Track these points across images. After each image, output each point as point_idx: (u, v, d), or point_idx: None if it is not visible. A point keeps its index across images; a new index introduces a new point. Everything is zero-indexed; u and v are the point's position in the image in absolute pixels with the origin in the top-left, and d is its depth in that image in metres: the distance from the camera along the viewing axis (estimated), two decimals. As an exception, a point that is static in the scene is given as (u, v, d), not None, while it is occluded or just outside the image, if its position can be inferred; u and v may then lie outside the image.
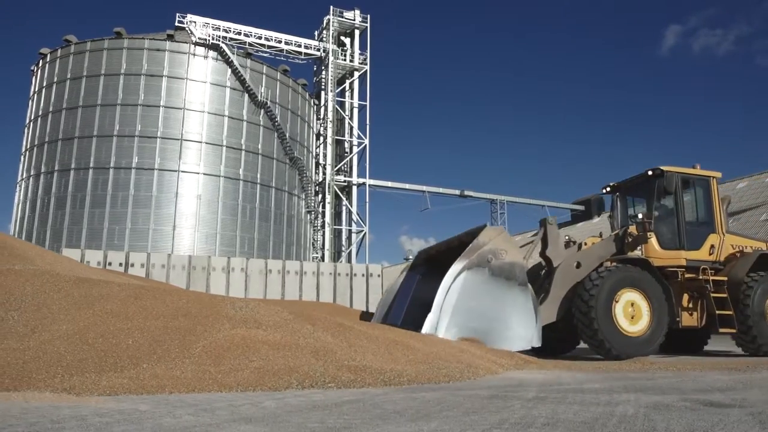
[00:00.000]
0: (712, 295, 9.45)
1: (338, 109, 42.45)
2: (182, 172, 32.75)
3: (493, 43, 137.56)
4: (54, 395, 3.89)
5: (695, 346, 11.17)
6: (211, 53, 35.05)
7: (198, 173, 33.15)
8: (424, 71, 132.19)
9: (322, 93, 41.91)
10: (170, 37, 34.55)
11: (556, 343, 10.01)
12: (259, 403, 3.76)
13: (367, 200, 40.92)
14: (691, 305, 9.71)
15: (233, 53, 35.39)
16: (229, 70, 35.18)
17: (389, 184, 42.29)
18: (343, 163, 41.74)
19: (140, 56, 33.76)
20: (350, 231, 40.66)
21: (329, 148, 41.10)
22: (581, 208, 51.08)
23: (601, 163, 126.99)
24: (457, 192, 44.90)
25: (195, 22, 35.61)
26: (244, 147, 35.08)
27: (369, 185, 40.94)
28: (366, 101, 42.54)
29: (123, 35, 34.44)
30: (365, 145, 41.81)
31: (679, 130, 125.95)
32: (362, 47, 42.94)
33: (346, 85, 42.84)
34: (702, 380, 5.64)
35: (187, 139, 33.22)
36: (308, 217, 39.58)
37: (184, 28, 35.64)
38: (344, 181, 41.22)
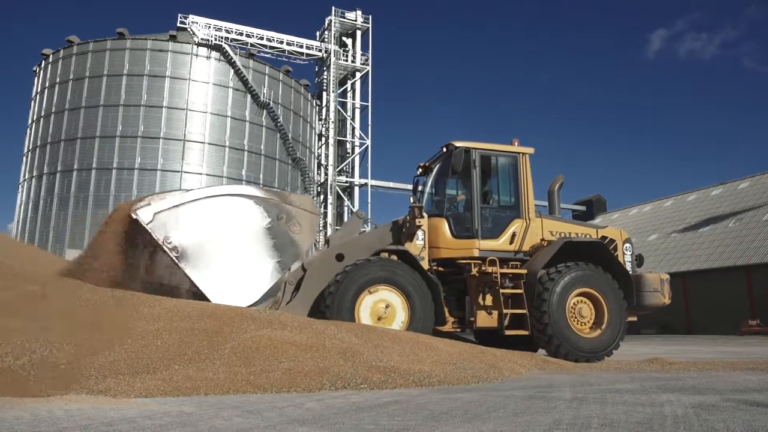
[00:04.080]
0: (503, 291, 8.12)
1: (340, 109, 42.43)
2: (185, 172, 32.71)
3: (493, 43, 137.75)
4: (91, 397, 3.85)
5: (529, 348, 9.15)
6: (214, 54, 35.04)
7: (201, 174, 33.11)
8: (426, 72, 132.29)
9: (324, 94, 41.90)
10: (173, 38, 34.52)
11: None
12: (301, 405, 3.72)
13: (369, 201, 40.93)
14: (489, 303, 8.29)
15: (236, 54, 35.36)
16: (232, 71, 35.16)
17: (391, 184, 42.28)
18: (345, 163, 41.71)
19: (143, 57, 33.72)
20: (352, 232, 40.62)
21: (331, 148, 41.08)
22: (582, 208, 51.16)
23: (601, 163, 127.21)
24: (459, 192, 44.84)
25: (197, 23, 35.59)
26: (246, 148, 35.06)
27: (371, 186, 40.94)
28: (368, 102, 42.59)
29: (125, 36, 34.41)
30: (367, 145, 41.82)
31: (679, 130, 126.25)
32: (364, 48, 42.98)
33: (348, 85, 42.83)
34: (731, 380, 5.61)
35: (189, 140, 33.19)
36: (310, 218, 39.50)
37: (186, 29, 35.60)
38: (346, 182, 41.21)
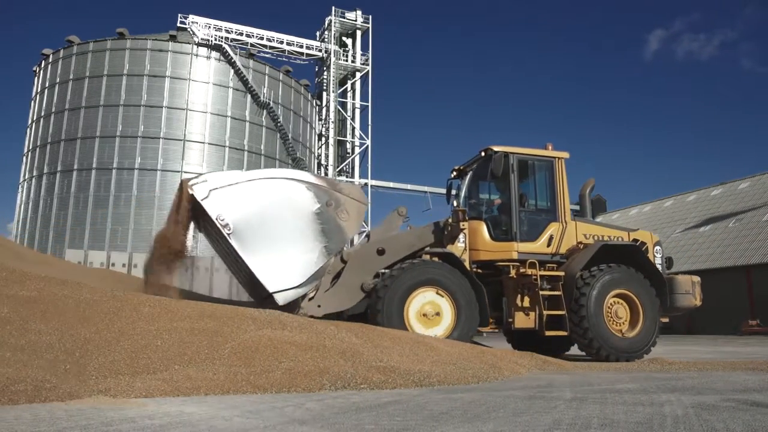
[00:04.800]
0: (544, 292, 8.32)
1: (340, 109, 42.45)
2: (185, 172, 32.65)
3: (493, 43, 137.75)
4: (91, 397, 3.85)
5: (556, 348, 9.69)
6: (214, 54, 35.05)
7: (201, 174, 33.08)
8: (426, 72, 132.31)
9: (324, 94, 41.92)
10: (173, 38, 34.54)
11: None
12: (301, 405, 3.72)
13: (369, 201, 40.91)
14: (526, 304, 8.51)
15: (236, 54, 35.36)
16: (232, 71, 35.17)
17: (391, 184, 42.33)
18: (345, 163, 41.72)
19: (143, 57, 33.73)
20: (352, 232, 40.65)
21: (331, 148, 41.11)
22: (583, 208, 51.03)
23: (601, 164, 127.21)
24: (459, 192, 44.84)
25: (197, 23, 35.60)
26: (246, 148, 35.06)
27: (371, 186, 40.95)
28: (368, 102, 42.63)
29: (125, 36, 34.42)
30: (367, 145, 41.85)
31: (679, 130, 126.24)
32: (364, 48, 43.01)
33: (348, 85, 42.85)
34: (731, 380, 5.62)
35: (189, 140, 33.20)
36: (311, 218, 39.54)
37: (186, 29, 35.61)
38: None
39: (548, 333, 8.33)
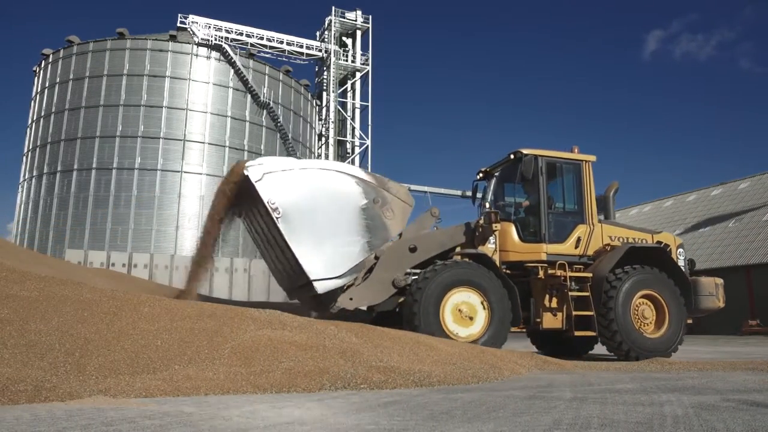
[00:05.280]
0: (572, 293, 8.47)
1: (340, 109, 42.45)
2: (185, 172, 32.72)
3: (493, 43, 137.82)
4: (91, 397, 3.85)
5: (581, 348, 10.16)
6: (214, 54, 35.05)
7: (201, 174, 33.10)
8: (426, 72, 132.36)
9: (324, 94, 41.91)
10: (173, 38, 34.53)
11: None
12: (301, 405, 3.72)
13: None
14: (554, 305, 8.68)
15: (236, 54, 35.36)
16: (232, 71, 35.17)
17: (391, 184, 42.23)
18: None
19: (143, 57, 33.73)
20: (352, 232, 40.64)
21: (331, 148, 41.10)
22: (583, 208, 51.01)
23: (600, 164, 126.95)
24: (459, 192, 44.80)
25: (197, 23, 35.60)
26: (246, 148, 35.05)
27: (371, 186, 40.89)
28: (368, 102, 42.63)
29: (125, 36, 34.41)
30: (367, 145, 41.86)
31: (679, 130, 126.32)
32: (364, 48, 43.00)
33: (348, 85, 42.85)
34: (731, 380, 5.62)
35: (189, 140, 33.19)
36: (311, 218, 39.53)
37: (186, 29, 35.61)
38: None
39: (578, 333, 8.48)
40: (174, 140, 32.92)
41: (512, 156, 9.09)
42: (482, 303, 7.91)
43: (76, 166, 32.58)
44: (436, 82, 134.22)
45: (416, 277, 7.93)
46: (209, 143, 33.70)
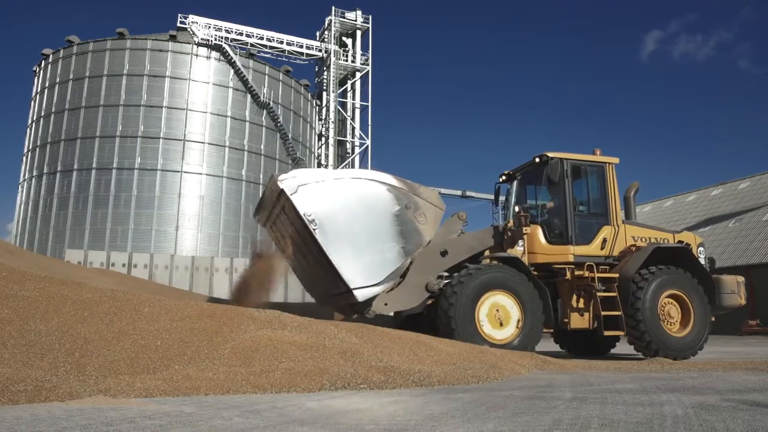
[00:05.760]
0: (600, 294, 8.62)
1: (340, 109, 42.44)
2: (185, 172, 32.69)
3: (493, 43, 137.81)
4: (91, 397, 3.85)
5: (603, 347, 10.58)
6: (214, 54, 35.02)
7: (201, 174, 33.09)
8: (426, 72, 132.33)
9: (324, 94, 41.90)
10: (173, 38, 34.51)
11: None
12: (302, 405, 3.72)
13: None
14: (581, 305, 8.86)
15: (236, 54, 35.35)
16: (232, 71, 35.15)
17: (391, 184, 42.17)
18: (345, 163, 41.68)
19: (143, 57, 33.70)
20: (352, 232, 40.60)
21: (331, 148, 41.08)
22: (583, 208, 50.98)
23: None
24: (459, 192, 44.80)
25: (197, 23, 35.58)
26: (246, 148, 35.04)
27: (371, 186, 40.85)
28: (368, 102, 42.60)
29: (125, 36, 34.39)
30: (367, 145, 41.84)
31: (679, 130, 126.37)
32: (364, 48, 42.97)
33: (348, 85, 42.83)
34: (731, 380, 5.62)
35: (189, 140, 33.17)
36: (311, 218, 39.48)
37: (186, 29, 35.60)
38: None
39: (607, 333, 8.65)
40: (174, 140, 32.90)
41: (537, 159, 9.24)
42: (516, 305, 8.09)
43: (76, 166, 32.57)
44: (436, 82, 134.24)
45: (448, 281, 8.05)
46: (209, 143, 33.68)
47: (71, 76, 34.13)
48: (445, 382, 5.21)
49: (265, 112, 36.11)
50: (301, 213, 7.31)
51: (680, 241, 9.61)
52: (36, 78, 36.80)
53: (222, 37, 35.68)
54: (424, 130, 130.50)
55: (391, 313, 8.45)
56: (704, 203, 39.89)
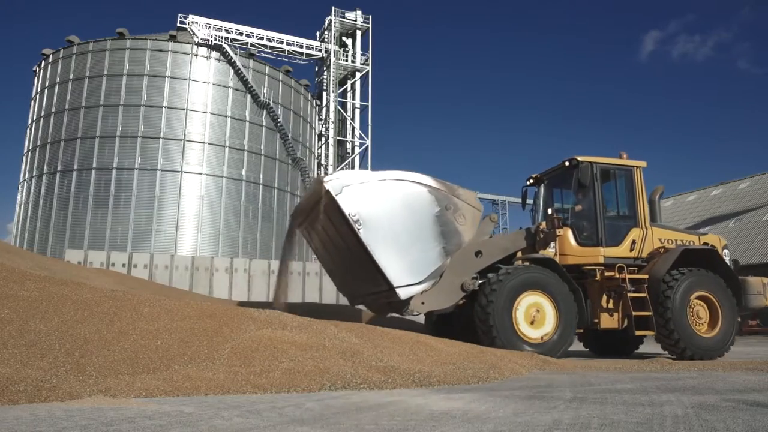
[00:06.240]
0: (630, 294, 8.81)
1: (340, 109, 42.43)
2: (185, 172, 32.69)
3: (493, 43, 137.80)
4: (91, 397, 3.85)
5: (628, 348, 10.82)
6: (214, 54, 35.01)
7: (201, 174, 33.08)
8: (426, 72, 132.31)
9: (324, 94, 41.89)
10: (173, 38, 34.50)
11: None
12: (301, 405, 3.72)
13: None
14: (611, 306, 9.09)
15: (236, 54, 35.34)
16: (232, 71, 35.13)
17: (391, 184, 42.13)
18: (345, 163, 41.68)
19: (143, 57, 33.69)
20: (352, 232, 40.60)
21: (331, 148, 41.08)
22: (582, 208, 50.96)
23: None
24: (459, 192, 44.73)
25: (197, 23, 35.58)
26: (246, 148, 35.03)
27: (371, 186, 40.82)
28: (368, 102, 42.60)
29: (125, 36, 34.38)
30: (367, 145, 41.83)
31: (679, 130, 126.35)
32: (364, 48, 42.96)
33: (348, 85, 42.83)
34: (731, 380, 5.62)
35: (189, 140, 33.16)
36: (310, 218, 39.49)
37: (186, 29, 35.59)
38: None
39: (638, 333, 8.88)
40: (174, 140, 32.89)
41: (567, 163, 9.44)
42: (551, 305, 8.27)
43: (76, 166, 32.56)
44: (436, 82, 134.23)
45: (483, 281, 8.23)
46: (209, 143, 33.67)
47: (71, 76, 34.12)
48: (445, 382, 5.21)
49: (265, 112, 36.10)
50: (346, 213, 7.49)
51: (705, 243, 9.80)
52: (36, 78, 36.79)
53: (222, 37, 35.68)
54: (424, 130, 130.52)
55: (423, 313, 8.59)
56: (704, 203, 39.89)
